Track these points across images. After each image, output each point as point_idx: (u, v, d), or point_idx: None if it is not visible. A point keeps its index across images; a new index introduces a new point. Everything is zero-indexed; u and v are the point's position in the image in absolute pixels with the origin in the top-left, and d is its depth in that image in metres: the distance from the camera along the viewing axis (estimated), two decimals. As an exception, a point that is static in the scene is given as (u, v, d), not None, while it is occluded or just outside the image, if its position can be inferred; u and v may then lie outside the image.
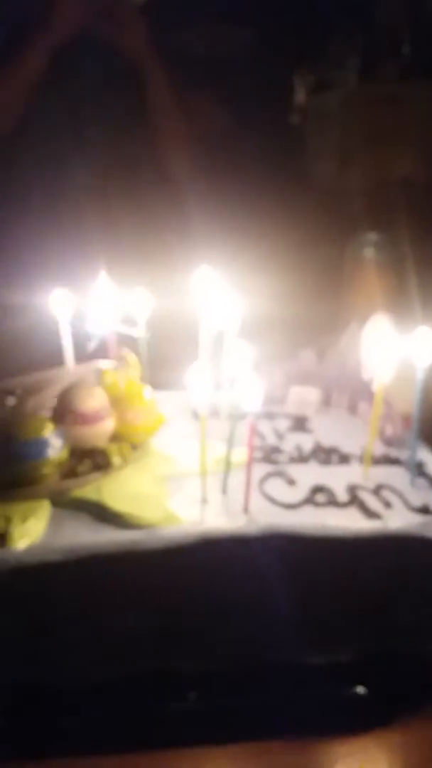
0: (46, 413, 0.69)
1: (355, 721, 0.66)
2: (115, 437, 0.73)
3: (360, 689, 0.67)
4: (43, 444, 0.66)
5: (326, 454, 0.78)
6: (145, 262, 0.96)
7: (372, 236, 1.21)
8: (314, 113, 1.44)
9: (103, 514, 0.65)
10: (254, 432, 0.68)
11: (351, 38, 1.43)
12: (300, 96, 1.47)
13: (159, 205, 1.12)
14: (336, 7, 1.35)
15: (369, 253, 1.20)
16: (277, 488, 0.71)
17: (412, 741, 0.65)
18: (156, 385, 0.79)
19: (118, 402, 0.73)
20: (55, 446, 0.66)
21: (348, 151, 1.35)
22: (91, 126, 1.12)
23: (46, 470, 0.66)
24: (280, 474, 0.74)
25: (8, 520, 0.62)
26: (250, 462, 0.67)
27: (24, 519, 0.63)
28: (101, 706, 0.65)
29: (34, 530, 0.62)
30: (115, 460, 0.70)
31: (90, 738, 0.64)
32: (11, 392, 0.70)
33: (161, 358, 0.82)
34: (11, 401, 0.69)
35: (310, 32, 1.36)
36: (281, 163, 1.29)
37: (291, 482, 0.73)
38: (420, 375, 0.73)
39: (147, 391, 0.76)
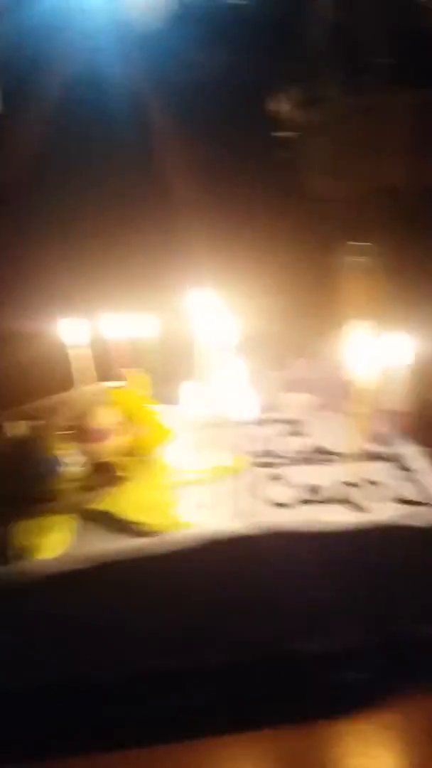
0: (62, 433, 0.76)
1: (355, 705, 0.71)
2: (126, 451, 0.79)
3: (358, 674, 0.72)
4: (60, 462, 0.72)
5: (320, 455, 0.84)
6: (149, 283, 1.02)
7: (361, 245, 1.26)
8: (302, 127, 1.49)
9: (117, 524, 0.71)
10: (251, 439, 0.74)
11: (334, 53, 1.48)
12: (287, 111, 1.52)
13: (158, 228, 1.18)
14: (315, 24, 1.40)
15: (359, 261, 1.24)
16: (275, 490, 0.77)
17: (409, 720, 0.70)
18: (162, 400, 0.85)
19: (127, 418, 0.80)
20: (71, 463, 0.73)
21: (336, 162, 1.40)
22: (95, 155, 1.18)
23: (64, 486, 0.73)
24: (276, 477, 0.80)
25: (32, 533, 0.69)
26: (248, 467, 0.73)
27: (47, 533, 0.69)
28: (118, 703, 0.71)
29: (57, 542, 0.69)
30: (127, 473, 0.76)
31: (104, 735, 0.68)
32: (28, 415, 0.77)
33: (167, 375, 0.88)
34: (28, 424, 0.76)
35: (293, 50, 1.42)
36: (271, 180, 1.35)
37: (287, 484, 0.79)
38: (400, 375, 0.79)
39: (154, 406, 0.82)
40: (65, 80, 1.15)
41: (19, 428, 0.76)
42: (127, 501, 0.74)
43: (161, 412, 0.83)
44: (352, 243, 1.25)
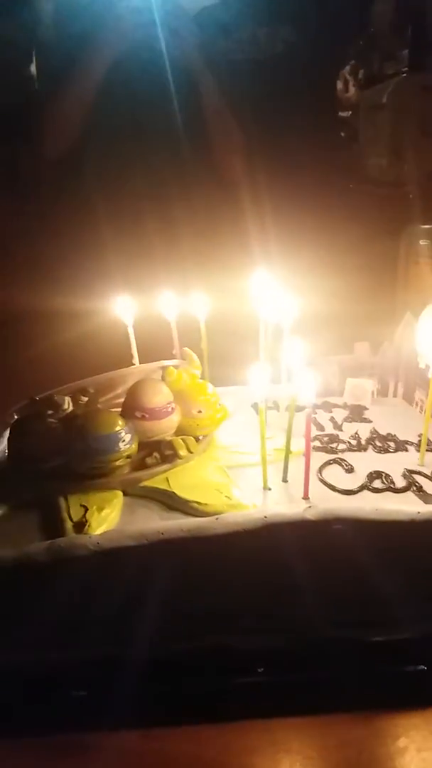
0: (117, 410, 0.74)
1: (418, 697, 0.68)
2: (181, 430, 0.77)
3: (421, 666, 0.69)
4: (115, 438, 0.71)
5: (383, 442, 0.81)
6: (204, 265, 1.00)
7: (426, 227, 1.22)
8: (365, 106, 1.45)
9: (171, 503, 0.70)
10: (311, 423, 0.71)
11: (399, 30, 1.44)
12: (351, 90, 1.49)
13: (216, 210, 1.16)
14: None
15: (423, 243, 1.21)
16: (336, 475, 0.75)
17: None
18: (217, 381, 0.83)
19: (182, 397, 0.78)
20: (125, 440, 0.71)
21: (400, 142, 1.36)
22: (150, 134, 1.16)
23: (118, 463, 0.71)
24: (338, 462, 0.77)
25: (86, 509, 0.68)
26: (308, 451, 0.70)
27: (100, 508, 0.68)
28: (172, 680, 0.70)
29: (109, 518, 0.68)
30: (182, 452, 0.74)
31: (162, 710, 0.68)
32: (84, 391, 0.76)
33: (222, 356, 0.86)
34: (85, 399, 0.75)
35: (358, 27, 1.38)
36: (334, 159, 1.31)
37: (349, 469, 0.76)
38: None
39: (209, 386, 0.80)
40: (113, 56, 1.13)
41: (76, 403, 0.74)
42: (182, 480, 0.72)
43: (220, 392, 0.81)
44: (417, 226, 1.21)
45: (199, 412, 0.78)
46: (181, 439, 0.76)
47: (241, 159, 1.19)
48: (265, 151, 1.20)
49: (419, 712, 0.67)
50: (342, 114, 1.44)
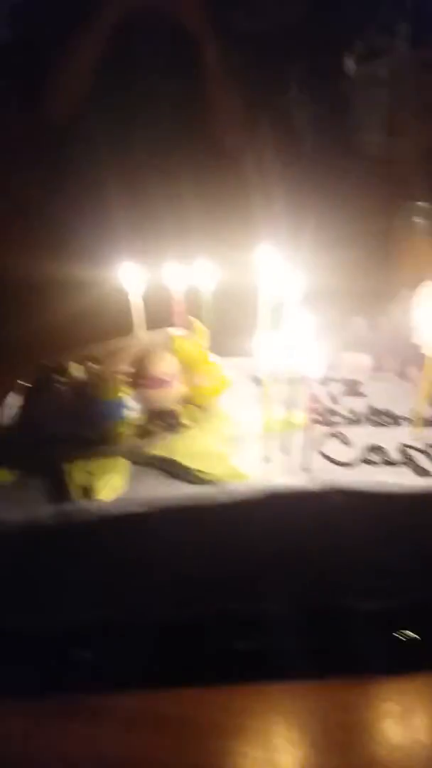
0: (123, 377, 0.75)
1: (407, 663, 0.71)
2: (184, 399, 0.78)
3: (411, 633, 0.72)
4: (121, 405, 0.72)
5: (378, 416, 0.83)
6: (208, 235, 1.00)
7: (422, 204, 1.23)
8: (363, 81, 1.44)
9: (173, 471, 0.71)
10: (312, 396, 0.73)
11: (400, 4, 1.42)
12: (349, 64, 1.48)
13: (216, 180, 1.16)
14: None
15: (419, 221, 1.22)
16: (333, 448, 0.76)
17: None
18: (219, 352, 0.84)
19: (186, 366, 0.79)
20: (131, 407, 0.73)
21: (397, 118, 1.36)
22: (151, 103, 1.15)
23: (124, 429, 0.72)
24: (336, 435, 0.79)
25: (91, 474, 0.69)
26: (309, 423, 0.72)
27: (106, 474, 0.69)
28: (173, 644, 0.72)
29: (115, 484, 0.69)
30: (185, 420, 0.76)
31: (161, 673, 0.70)
32: (92, 358, 0.76)
33: (224, 327, 0.87)
34: (93, 366, 0.75)
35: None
36: (333, 134, 1.31)
37: (346, 442, 0.78)
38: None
39: (212, 356, 0.81)
40: (120, 19, 1.10)
41: (82, 370, 0.75)
42: (185, 449, 0.73)
43: (222, 363, 0.82)
44: (412, 203, 1.22)
45: (203, 381, 0.79)
46: (185, 407, 0.77)
47: (242, 130, 1.18)
48: (270, 124, 1.20)
49: (408, 679, 0.70)
50: (341, 88, 1.43)
